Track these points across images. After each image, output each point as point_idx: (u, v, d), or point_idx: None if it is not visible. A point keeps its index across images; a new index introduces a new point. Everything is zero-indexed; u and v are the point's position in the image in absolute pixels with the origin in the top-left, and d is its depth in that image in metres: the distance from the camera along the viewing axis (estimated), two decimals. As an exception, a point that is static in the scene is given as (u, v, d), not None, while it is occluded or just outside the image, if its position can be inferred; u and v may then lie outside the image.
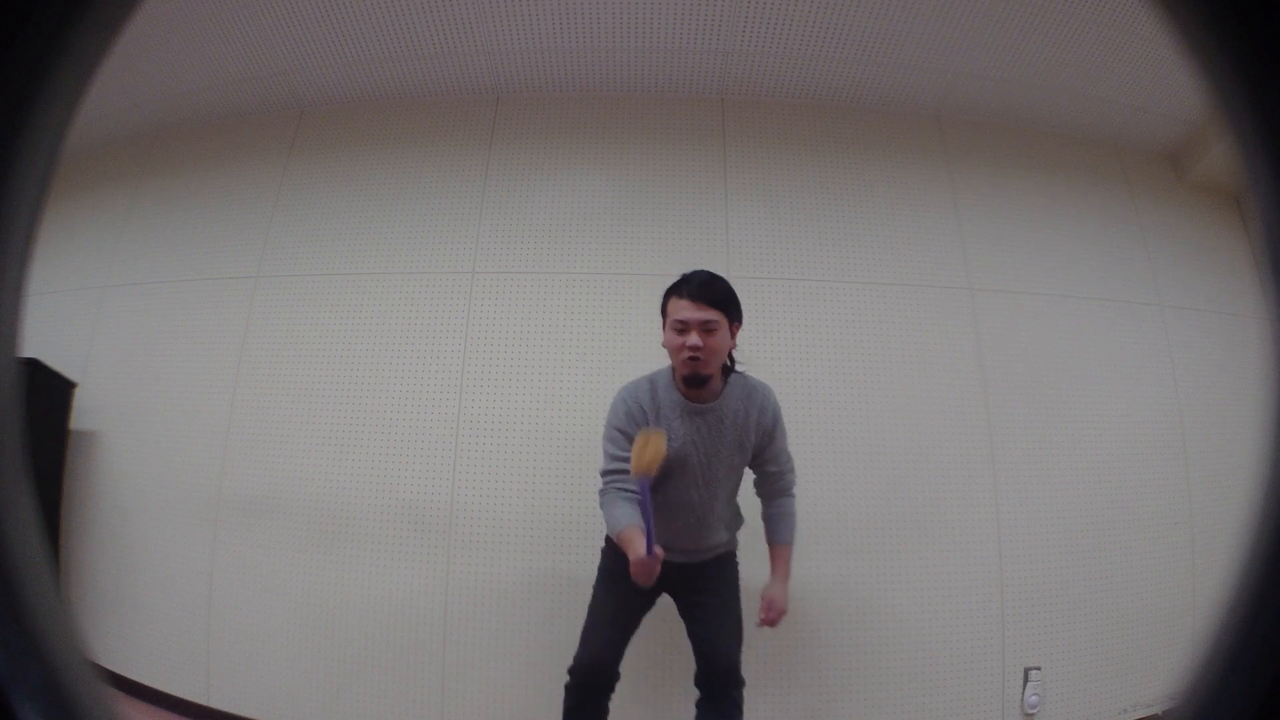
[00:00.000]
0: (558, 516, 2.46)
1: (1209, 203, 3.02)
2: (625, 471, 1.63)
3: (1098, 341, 2.73)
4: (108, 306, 2.99)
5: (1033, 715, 2.37)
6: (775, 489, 1.87)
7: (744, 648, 1.80)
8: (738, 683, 1.71)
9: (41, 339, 2.89)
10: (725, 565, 1.88)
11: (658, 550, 1.49)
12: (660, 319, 1.75)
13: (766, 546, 1.86)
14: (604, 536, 1.88)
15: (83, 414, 2.85)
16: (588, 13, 2.55)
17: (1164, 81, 2.69)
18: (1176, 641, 2.48)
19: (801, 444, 2.52)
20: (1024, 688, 2.38)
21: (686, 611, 1.82)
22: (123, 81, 2.89)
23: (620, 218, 2.74)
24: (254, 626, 2.53)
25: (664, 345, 1.72)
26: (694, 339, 1.62)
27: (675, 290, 1.69)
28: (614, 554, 1.79)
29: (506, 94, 2.92)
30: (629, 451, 1.60)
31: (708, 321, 1.63)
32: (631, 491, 1.64)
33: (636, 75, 2.81)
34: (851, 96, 2.87)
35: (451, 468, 2.51)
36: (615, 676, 1.76)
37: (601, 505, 1.71)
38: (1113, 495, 2.58)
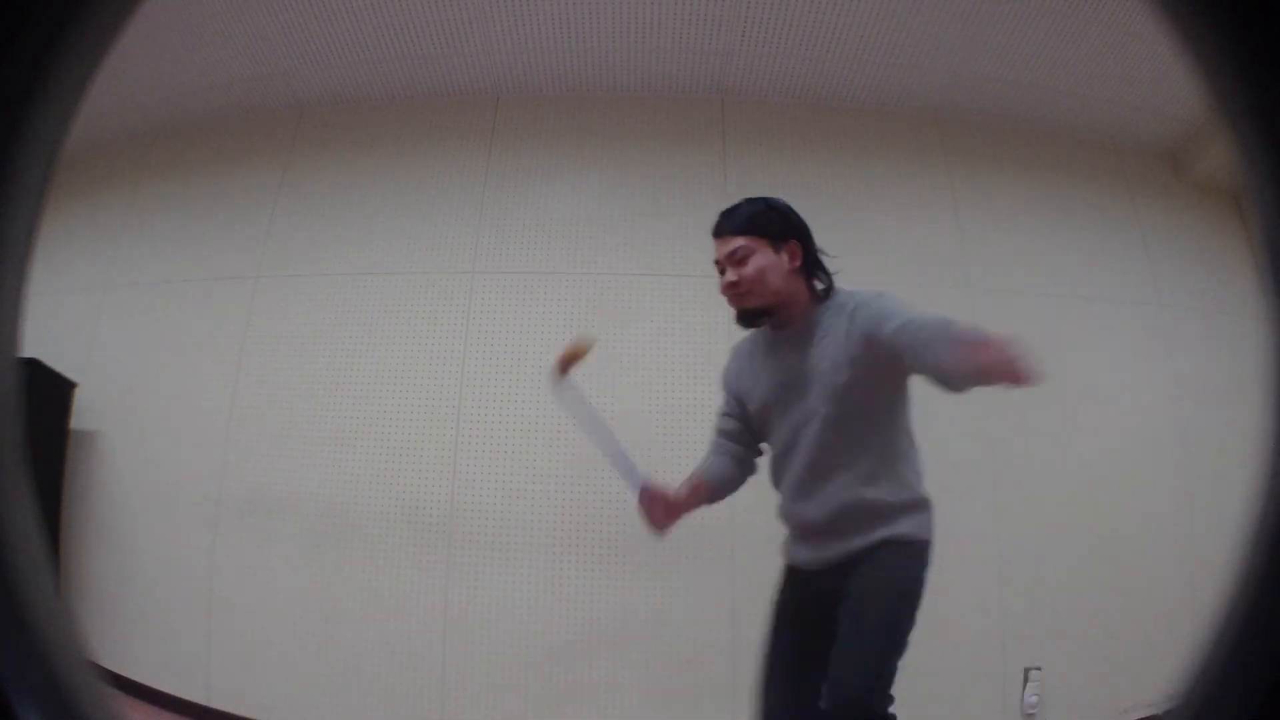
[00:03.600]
0: (557, 515, 2.46)
1: (1209, 202, 3.02)
2: (723, 431, 1.55)
3: (1098, 341, 2.73)
4: (108, 306, 2.99)
5: (1033, 715, 2.37)
6: (934, 347, 1.24)
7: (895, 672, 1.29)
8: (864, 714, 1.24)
9: (41, 339, 2.89)
10: (885, 560, 1.35)
11: (656, 492, 1.36)
12: None
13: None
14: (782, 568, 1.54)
15: (83, 414, 2.85)
16: (587, 13, 2.54)
17: (1163, 81, 2.68)
18: (1176, 641, 2.48)
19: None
20: (1024, 688, 2.38)
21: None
22: (123, 81, 2.88)
23: (620, 218, 2.74)
24: (254, 626, 2.53)
25: None
26: (729, 275, 1.42)
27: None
28: (783, 584, 1.50)
29: (506, 94, 2.91)
30: (727, 409, 1.55)
31: (734, 251, 1.41)
32: (730, 446, 1.52)
33: (636, 75, 2.80)
34: (851, 96, 2.86)
35: (451, 467, 2.51)
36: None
37: None
38: (1112, 495, 2.58)
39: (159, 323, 2.90)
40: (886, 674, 1.27)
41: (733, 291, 1.42)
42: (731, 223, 1.44)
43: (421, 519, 2.48)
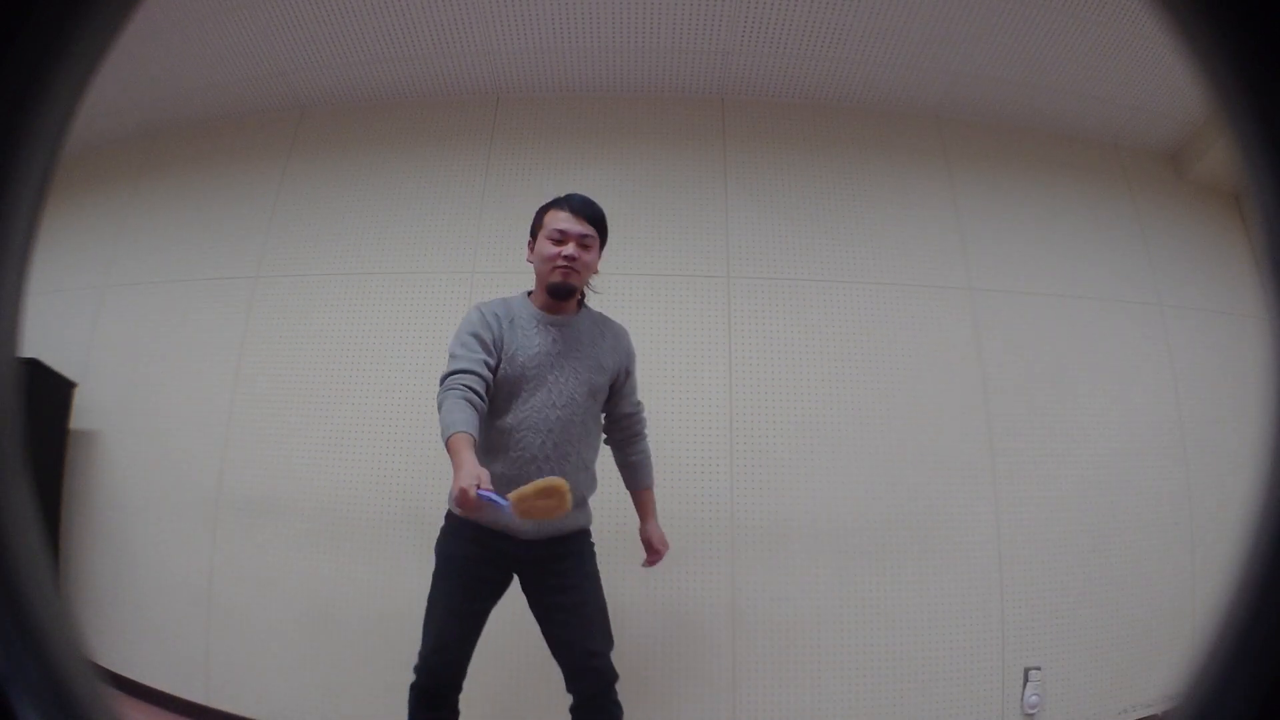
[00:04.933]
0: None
1: (1209, 202, 3.02)
2: (471, 372, 1.53)
3: (1098, 341, 2.73)
4: (108, 306, 2.99)
5: (1033, 715, 2.37)
6: (631, 432, 1.82)
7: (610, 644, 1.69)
8: (613, 680, 1.64)
9: (41, 339, 2.89)
10: (582, 553, 1.70)
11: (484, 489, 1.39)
12: (529, 240, 1.73)
13: (630, 494, 1.87)
14: (444, 513, 1.71)
15: (83, 414, 2.85)
16: (587, 13, 2.55)
17: (1163, 80, 2.69)
18: (1176, 641, 2.48)
19: (802, 444, 2.52)
20: (1024, 688, 2.38)
21: (543, 613, 1.67)
22: (123, 81, 2.89)
23: (620, 218, 2.73)
24: (254, 626, 2.53)
25: (530, 260, 1.70)
26: (570, 249, 1.64)
27: (555, 205, 1.69)
28: (453, 534, 1.67)
29: (506, 94, 2.92)
30: (481, 353, 1.56)
31: (586, 236, 1.66)
32: (477, 394, 1.51)
33: (636, 75, 2.81)
34: (851, 96, 2.87)
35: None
36: (463, 674, 1.67)
37: (439, 406, 1.51)
38: (1112, 495, 2.58)
39: (159, 323, 2.90)
40: (610, 636, 1.68)
41: (569, 264, 1.64)
42: (592, 213, 1.69)
43: (421, 519, 2.48)
